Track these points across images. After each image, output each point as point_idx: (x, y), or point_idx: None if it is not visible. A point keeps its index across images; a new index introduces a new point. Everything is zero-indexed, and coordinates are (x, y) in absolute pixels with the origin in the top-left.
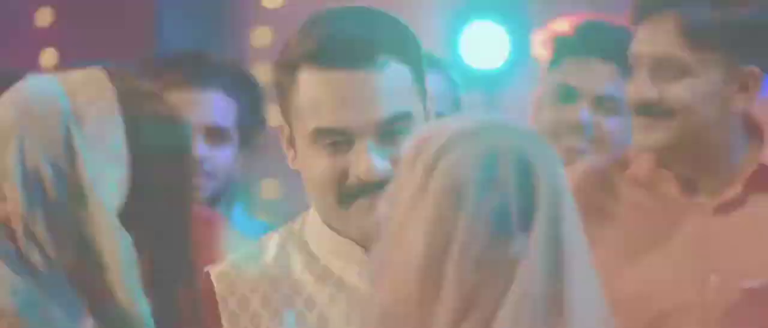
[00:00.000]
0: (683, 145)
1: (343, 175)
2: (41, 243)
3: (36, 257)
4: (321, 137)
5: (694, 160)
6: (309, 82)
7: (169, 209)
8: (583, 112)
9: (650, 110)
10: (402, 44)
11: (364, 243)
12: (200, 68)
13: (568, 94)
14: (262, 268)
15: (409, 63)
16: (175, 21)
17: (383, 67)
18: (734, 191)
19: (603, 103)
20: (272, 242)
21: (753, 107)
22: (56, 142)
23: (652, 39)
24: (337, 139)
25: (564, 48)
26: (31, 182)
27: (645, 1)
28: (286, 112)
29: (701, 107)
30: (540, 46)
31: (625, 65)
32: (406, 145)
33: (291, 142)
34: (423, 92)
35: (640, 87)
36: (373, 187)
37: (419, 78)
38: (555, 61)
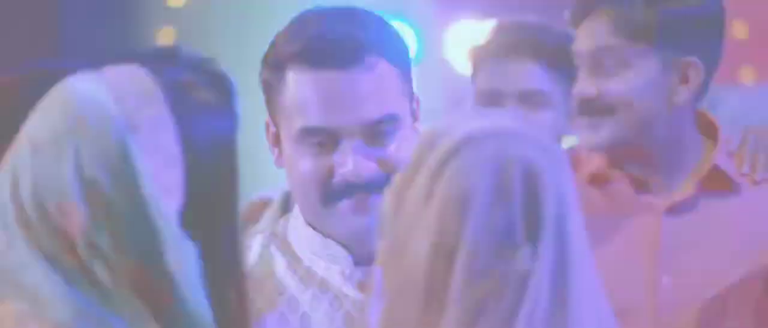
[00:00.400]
0: (629, 142)
1: (329, 174)
2: (104, 256)
3: (99, 271)
4: (307, 137)
5: (643, 158)
6: (297, 82)
7: (221, 206)
8: (511, 110)
9: (592, 108)
10: (390, 45)
11: (348, 244)
12: (171, 66)
13: (493, 98)
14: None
15: (397, 64)
16: (79, 21)
17: (372, 68)
18: (686, 192)
19: (528, 99)
20: (255, 242)
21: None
22: (112, 152)
23: (589, 36)
24: (324, 139)
25: (480, 54)
26: (91, 193)
27: (581, 2)
28: (272, 110)
29: (641, 100)
30: (463, 57)
31: (544, 60)
32: (413, 145)
33: (276, 141)
34: (410, 93)
35: (580, 85)
36: (359, 188)
37: (407, 79)
38: (475, 69)
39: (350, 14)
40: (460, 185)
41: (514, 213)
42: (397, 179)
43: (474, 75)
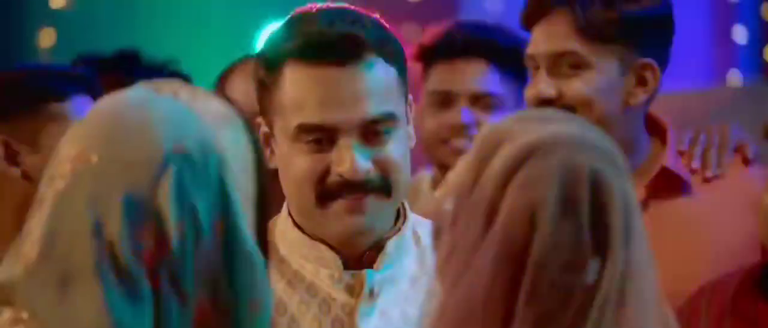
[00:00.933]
0: None
1: (325, 172)
2: (183, 287)
3: (173, 302)
4: (304, 134)
5: None
6: (294, 79)
7: (261, 230)
8: (462, 112)
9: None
10: (388, 45)
11: (339, 246)
12: (134, 68)
13: (444, 99)
14: None
15: (394, 64)
16: None
17: (371, 66)
18: (637, 195)
19: (480, 100)
20: None
21: (654, 105)
22: (212, 182)
23: (547, 38)
24: (320, 137)
25: (430, 56)
26: (186, 220)
27: (536, 3)
28: (266, 108)
29: (600, 100)
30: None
31: (495, 61)
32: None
33: (267, 141)
34: (406, 95)
35: (539, 87)
36: (354, 187)
37: (403, 80)
38: (426, 70)
39: (347, 13)
40: (527, 196)
41: (582, 225)
42: (451, 187)
43: (425, 76)
